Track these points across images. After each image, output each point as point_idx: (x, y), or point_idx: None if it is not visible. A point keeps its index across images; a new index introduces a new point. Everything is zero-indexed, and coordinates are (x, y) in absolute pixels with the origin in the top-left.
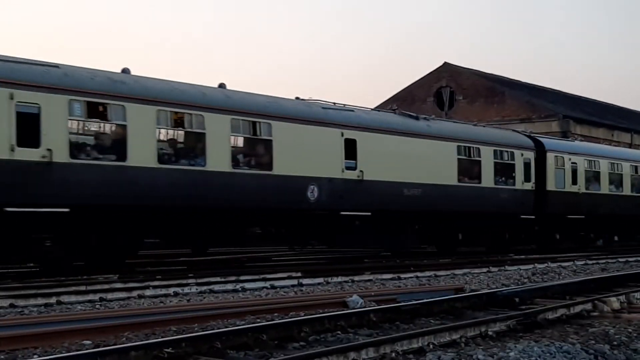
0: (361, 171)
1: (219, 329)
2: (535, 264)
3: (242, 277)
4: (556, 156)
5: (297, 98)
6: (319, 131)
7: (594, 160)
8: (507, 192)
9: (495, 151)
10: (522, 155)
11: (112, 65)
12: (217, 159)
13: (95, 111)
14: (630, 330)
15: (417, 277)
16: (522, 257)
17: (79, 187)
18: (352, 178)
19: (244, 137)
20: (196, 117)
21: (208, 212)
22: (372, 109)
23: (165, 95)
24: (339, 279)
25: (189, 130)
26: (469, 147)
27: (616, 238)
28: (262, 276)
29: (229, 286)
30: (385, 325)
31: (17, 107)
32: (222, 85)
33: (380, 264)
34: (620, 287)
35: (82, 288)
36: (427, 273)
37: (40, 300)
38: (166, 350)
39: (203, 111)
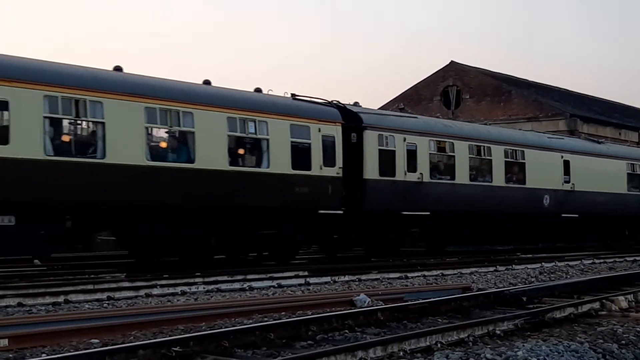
0: (573, 184)
1: (226, 327)
2: (543, 263)
3: (250, 276)
4: None
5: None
6: (548, 155)
7: None
8: None
9: None
10: None
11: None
12: (498, 177)
13: (441, 146)
14: (638, 329)
15: (424, 276)
16: (529, 256)
17: (434, 198)
18: (568, 189)
19: (510, 161)
20: (487, 148)
21: (489, 216)
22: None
23: (471, 134)
24: (346, 277)
25: (483, 157)
26: (633, 164)
27: None
28: (269, 275)
29: (236, 285)
30: (393, 324)
31: (407, 145)
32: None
33: (387, 263)
34: (628, 286)
35: (90, 287)
36: (434, 272)
37: (48, 299)
38: (174, 349)
39: (491, 144)
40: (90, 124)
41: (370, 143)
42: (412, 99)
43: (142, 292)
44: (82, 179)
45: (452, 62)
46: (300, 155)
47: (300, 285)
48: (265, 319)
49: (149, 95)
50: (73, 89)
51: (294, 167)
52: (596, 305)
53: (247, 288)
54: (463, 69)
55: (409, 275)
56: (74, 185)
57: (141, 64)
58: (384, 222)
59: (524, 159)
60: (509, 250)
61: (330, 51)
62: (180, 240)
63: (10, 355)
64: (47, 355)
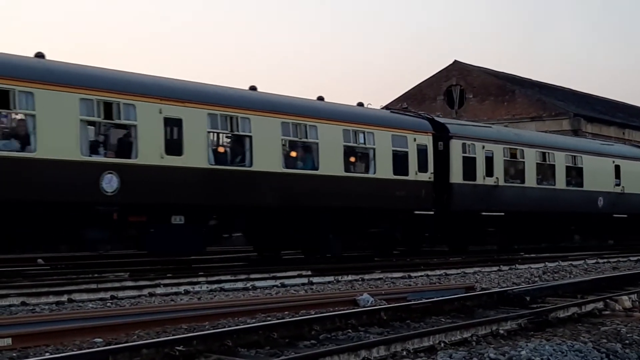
0: (623, 187)
1: (229, 327)
2: (546, 263)
3: (253, 276)
4: None
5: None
6: (601, 160)
7: None
8: None
9: None
10: None
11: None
12: (560, 181)
13: (512, 153)
14: None
15: (427, 275)
16: (533, 255)
17: (507, 200)
18: (618, 192)
19: (570, 166)
20: (551, 154)
21: (552, 216)
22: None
23: (537, 142)
24: (349, 277)
25: (548, 163)
26: None
27: None
28: (272, 274)
29: (240, 284)
30: (396, 323)
31: (485, 153)
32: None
33: (390, 262)
34: (632, 285)
35: (93, 286)
36: (438, 272)
37: (52, 298)
38: (177, 348)
39: (554, 150)
40: (241, 137)
41: (456, 151)
42: (415, 99)
43: (145, 292)
44: (233, 184)
45: (455, 61)
46: (400, 162)
47: (303, 284)
48: (269, 318)
49: (283, 112)
50: (228, 108)
51: (394, 173)
52: (600, 305)
53: (250, 287)
54: (466, 68)
55: (412, 274)
56: (227, 190)
57: (141, 64)
58: (466, 221)
59: (581, 164)
60: (513, 250)
61: (330, 51)
62: (302, 237)
63: (14, 354)
64: (51, 354)
